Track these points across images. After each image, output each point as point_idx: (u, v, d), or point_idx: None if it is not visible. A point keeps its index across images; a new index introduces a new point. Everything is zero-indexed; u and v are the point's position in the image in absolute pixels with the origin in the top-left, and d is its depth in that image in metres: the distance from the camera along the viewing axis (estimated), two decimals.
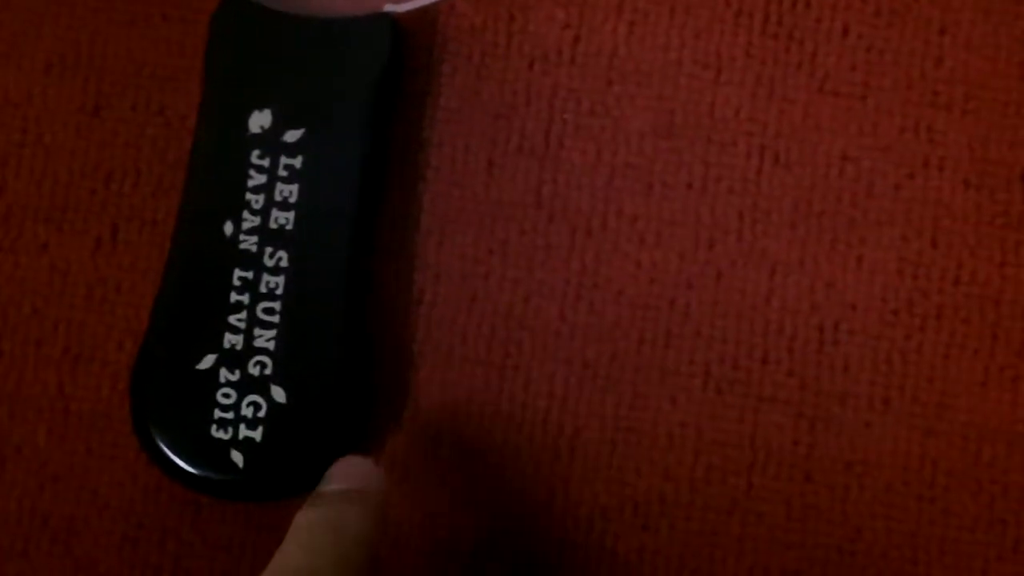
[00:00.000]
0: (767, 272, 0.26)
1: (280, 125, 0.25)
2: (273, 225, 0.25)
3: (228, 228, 0.25)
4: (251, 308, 0.25)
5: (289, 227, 0.25)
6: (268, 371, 0.24)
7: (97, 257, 0.27)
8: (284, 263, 0.25)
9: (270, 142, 0.25)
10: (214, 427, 0.24)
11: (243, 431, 0.24)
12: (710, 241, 0.27)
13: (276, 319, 0.25)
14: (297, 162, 0.25)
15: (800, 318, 0.26)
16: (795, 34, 0.27)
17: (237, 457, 0.24)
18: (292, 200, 0.25)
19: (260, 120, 0.25)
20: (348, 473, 0.24)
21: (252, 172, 0.25)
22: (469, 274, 0.27)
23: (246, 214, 0.25)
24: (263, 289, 0.25)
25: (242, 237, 0.25)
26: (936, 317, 0.26)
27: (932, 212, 0.26)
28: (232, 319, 0.25)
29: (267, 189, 0.25)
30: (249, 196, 0.25)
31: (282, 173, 0.25)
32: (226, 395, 0.24)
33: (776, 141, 0.27)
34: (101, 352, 0.26)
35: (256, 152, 0.25)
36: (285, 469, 0.24)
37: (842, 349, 0.26)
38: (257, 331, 0.25)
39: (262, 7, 0.26)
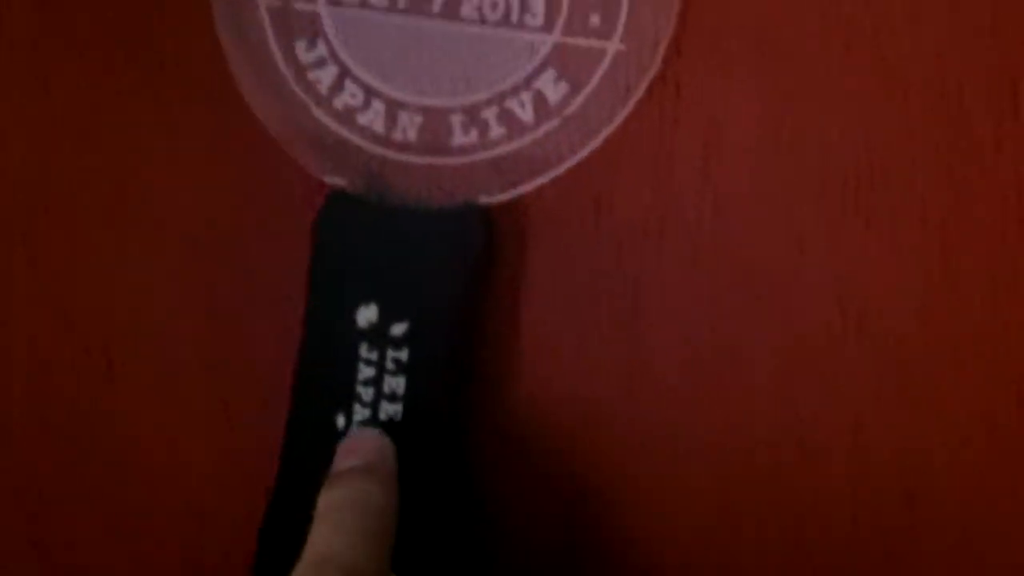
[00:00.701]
0: None
1: (386, 319, 0.26)
2: (383, 416, 0.26)
3: (340, 421, 0.26)
4: None
5: (398, 419, 0.26)
6: None
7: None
8: None
9: (377, 336, 0.26)
10: None
11: None
12: None
13: None
14: (403, 355, 0.26)
15: None
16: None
17: None
18: (400, 392, 0.26)
19: (367, 315, 0.26)
20: (361, 448, 0.25)
21: (361, 366, 0.26)
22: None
23: (357, 407, 0.26)
24: None
25: None
26: None
27: None
28: None
29: (376, 382, 0.26)
30: (359, 389, 0.26)
31: (390, 366, 0.26)
32: None
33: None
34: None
35: (364, 346, 0.26)
36: None
37: None
38: None
39: (363, 202, 0.28)
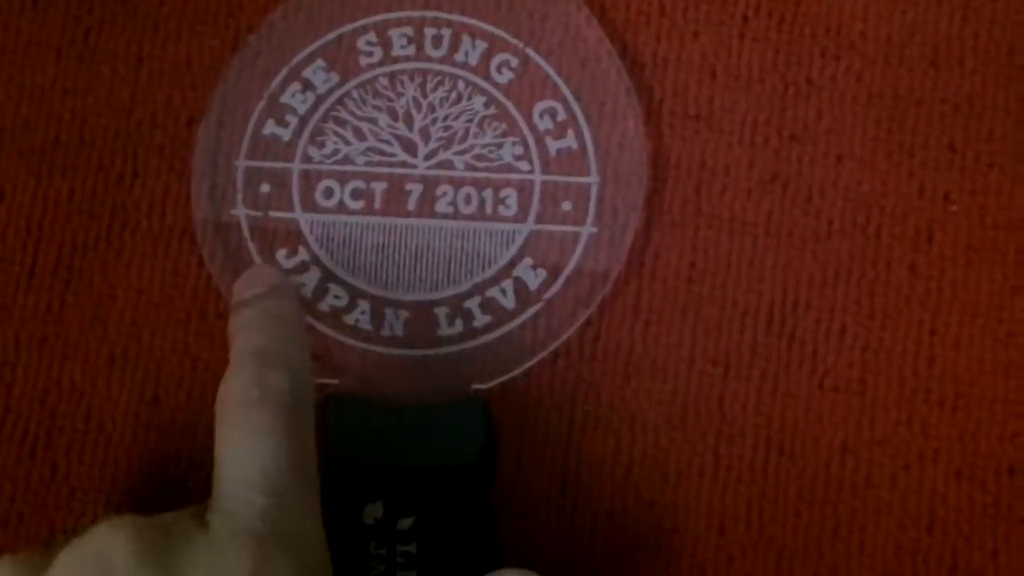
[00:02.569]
0: (774, 557, 0.30)
1: (392, 514, 0.28)
2: None
3: None
4: None
5: None
6: None
7: None
8: None
9: (385, 532, 0.28)
10: None
11: None
12: (721, 528, 0.30)
13: None
14: (412, 548, 0.27)
15: None
16: (796, 333, 0.31)
17: None
18: None
19: (373, 512, 0.28)
20: (257, 279, 0.28)
21: (372, 563, 0.27)
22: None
23: None
24: None
25: None
26: None
27: (927, 502, 0.30)
28: None
29: None
30: None
31: (400, 560, 0.27)
32: None
33: (781, 433, 0.31)
34: None
35: (373, 543, 0.28)
36: None
37: None
38: None
39: (360, 402, 0.29)
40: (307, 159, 0.31)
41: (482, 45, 0.31)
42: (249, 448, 0.24)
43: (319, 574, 0.24)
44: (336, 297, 0.30)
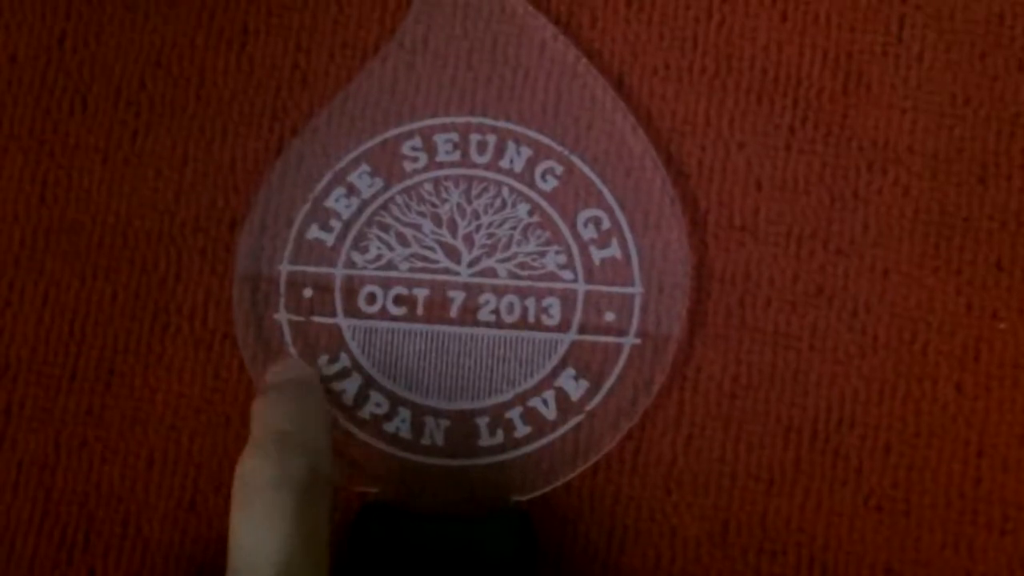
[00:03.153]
0: None
1: None
2: None
3: None
4: None
5: None
6: None
7: None
8: None
9: None
10: None
11: None
12: None
13: None
14: None
15: None
16: (841, 450, 0.31)
17: None
18: None
19: None
20: (287, 367, 0.29)
21: None
22: None
23: None
24: None
25: None
26: None
27: None
28: None
29: None
30: None
31: None
32: None
33: (824, 552, 0.31)
34: None
35: None
36: None
37: None
38: None
39: (399, 511, 0.29)
40: (350, 264, 0.31)
41: (527, 152, 0.32)
42: (263, 530, 0.24)
43: None
44: (377, 405, 0.31)
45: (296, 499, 0.25)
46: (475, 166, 0.32)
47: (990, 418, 0.31)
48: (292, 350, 0.31)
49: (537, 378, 0.31)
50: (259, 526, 0.24)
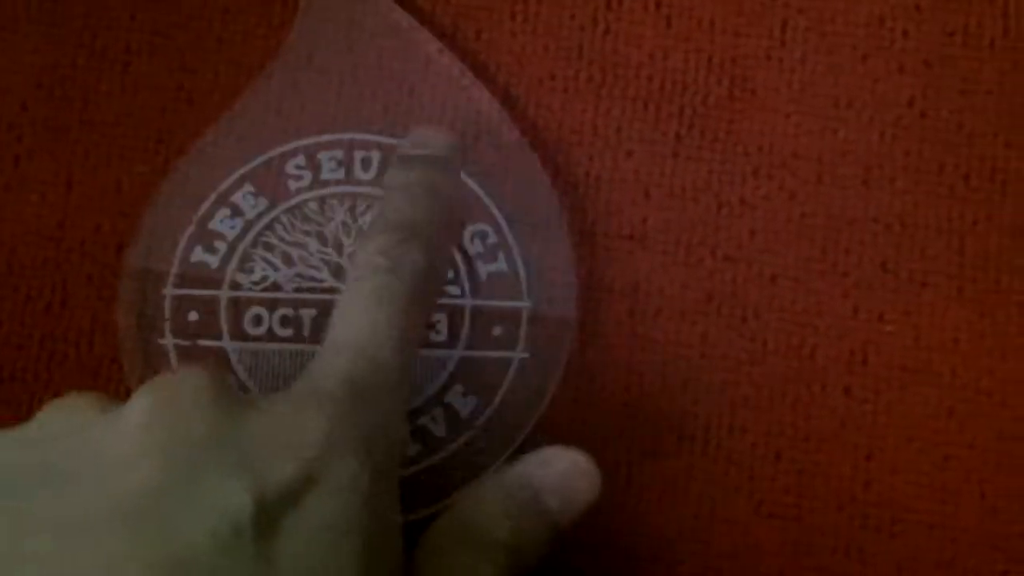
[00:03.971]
0: None
1: None
2: None
3: None
4: None
5: None
6: None
7: None
8: None
9: None
10: None
11: None
12: None
13: None
14: None
15: None
16: (733, 457, 0.32)
17: None
18: None
19: None
20: (431, 140, 0.28)
21: None
22: None
23: None
24: None
25: None
26: None
27: None
28: None
29: None
30: None
31: None
32: None
33: (719, 560, 0.31)
34: None
35: None
36: None
37: None
38: None
39: None
40: (236, 286, 0.32)
41: None
42: (362, 311, 0.24)
43: (390, 463, 0.24)
44: None
45: (405, 290, 0.25)
46: (360, 183, 0.32)
47: (878, 421, 0.32)
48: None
49: (425, 395, 0.31)
50: (357, 307, 0.24)
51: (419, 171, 0.27)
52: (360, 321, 0.24)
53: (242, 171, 0.32)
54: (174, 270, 0.32)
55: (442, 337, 0.32)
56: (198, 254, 0.32)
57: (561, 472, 0.26)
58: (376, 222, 0.26)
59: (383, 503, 0.23)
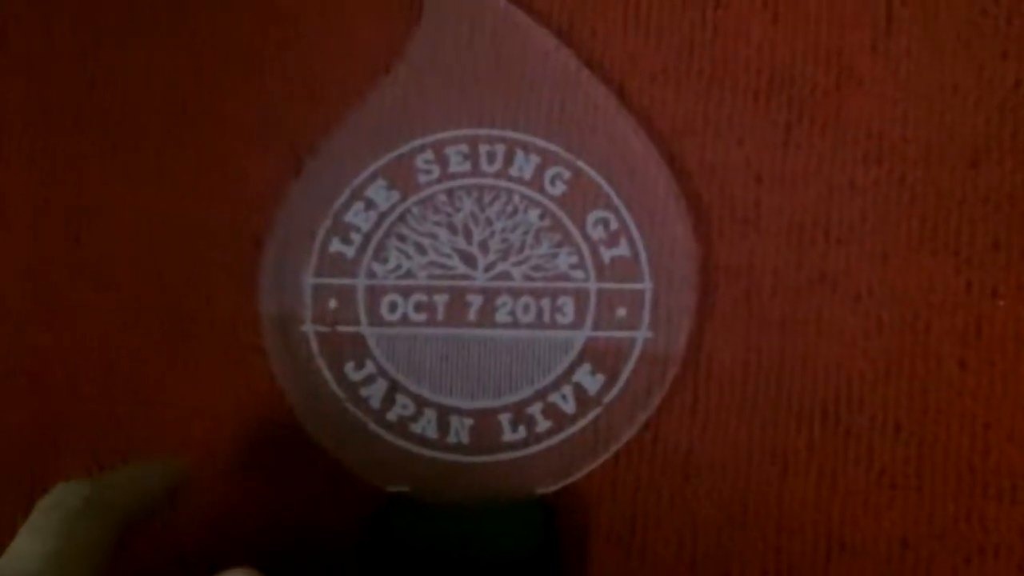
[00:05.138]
0: None
1: None
2: None
3: None
4: None
5: None
6: None
7: None
8: None
9: None
10: None
11: None
12: None
13: None
14: None
15: None
16: (852, 430, 0.34)
17: None
18: None
19: None
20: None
21: None
22: None
23: None
24: None
25: None
26: None
27: None
28: None
29: None
30: None
31: None
32: None
33: (841, 528, 0.34)
34: None
35: None
36: None
37: None
38: None
39: (423, 505, 0.33)
40: (371, 275, 0.35)
41: (535, 159, 0.35)
42: (19, 545, 0.26)
43: None
44: (403, 407, 0.34)
45: (65, 523, 0.27)
46: (486, 175, 0.35)
47: (994, 392, 0.34)
48: (320, 361, 0.34)
49: (555, 374, 0.34)
50: (18, 542, 0.26)
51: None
52: (15, 560, 0.26)
53: (374, 167, 0.35)
54: (313, 260, 0.35)
55: (569, 319, 0.34)
56: (335, 245, 0.35)
57: None
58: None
59: None
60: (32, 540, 0.27)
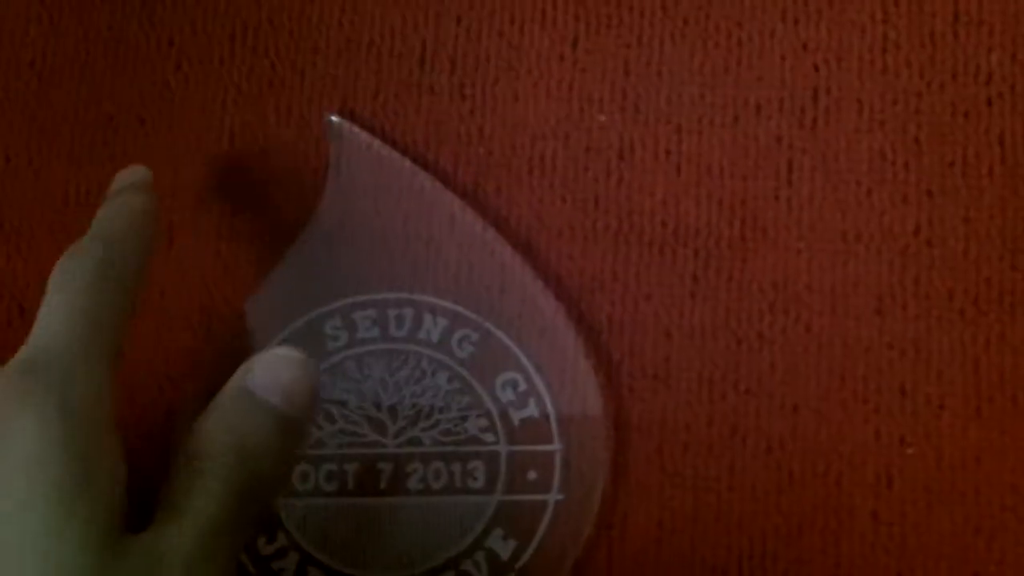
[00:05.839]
0: None
1: None
2: None
3: None
4: None
5: None
6: None
7: None
8: None
9: None
10: None
11: None
12: None
13: None
14: None
15: None
16: None
17: None
18: None
19: None
20: (127, 174, 0.35)
21: None
22: None
23: None
24: None
25: None
26: None
27: None
28: None
29: None
30: None
31: None
32: None
33: None
34: None
35: None
36: None
37: None
38: None
39: None
40: None
41: (443, 322, 0.36)
42: (45, 304, 0.28)
43: (96, 452, 0.27)
44: None
45: (86, 283, 0.29)
46: (394, 340, 0.36)
47: (907, 543, 0.34)
48: None
49: (467, 541, 0.35)
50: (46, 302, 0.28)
51: (116, 199, 0.32)
52: (41, 317, 0.28)
53: (282, 335, 0.36)
54: None
55: (480, 483, 0.35)
56: None
57: (268, 368, 0.30)
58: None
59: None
60: (59, 304, 0.28)
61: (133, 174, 0.33)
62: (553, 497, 0.34)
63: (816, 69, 0.37)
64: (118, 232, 0.30)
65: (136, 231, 0.31)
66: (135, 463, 0.34)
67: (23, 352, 0.27)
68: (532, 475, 0.34)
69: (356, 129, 0.37)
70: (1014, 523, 0.34)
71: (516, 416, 0.35)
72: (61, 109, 0.38)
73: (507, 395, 0.35)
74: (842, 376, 0.35)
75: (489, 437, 0.35)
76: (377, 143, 0.37)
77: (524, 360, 0.35)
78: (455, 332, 0.35)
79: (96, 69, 0.39)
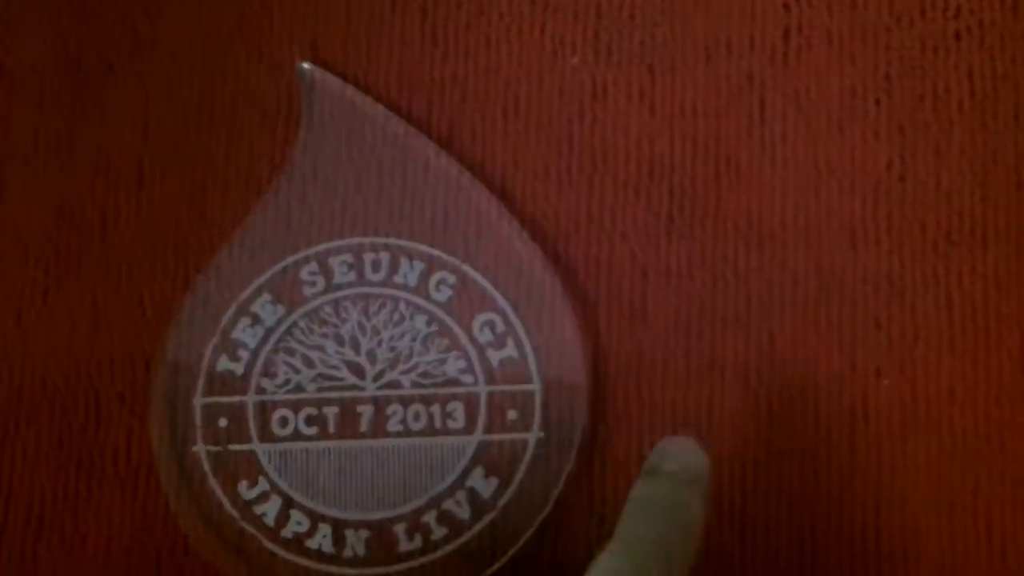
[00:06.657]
0: None
1: None
2: None
3: None
4: None
5: None
6: None
7: None
8: None
9: None
10: None
11: None
12: None
13: None
14: None
15: None
16: (747, 516, 0.36)
17: None
18: None
19: None
20: (682, 455, 0.30)
21: None
22: None
23: None
24: None
25: None
26: None
27: None
28: None
29: None
30: None
31: None
32: None
33: None
34: None
35: None
36: None
37: None
38: None
39: None
40: (261, 391, 0.37)
41: (420, 266, 0.37)
42: None
43: None
44: (298, 523, 0.36)
45: None
46: (371, 284, 0.37)
47: (883, 474, 0.36)
48: (213, 481, 0.36)
49: (448, 481, 0.36)
50: None
51: (667, 487, 0.29)
52: None
53: (259, 282, 0.37)
54: (201, 380, 0.36)
55: (460, 424, 0.36)
56: (223, 363, 0.37)
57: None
58: (615, 536, 0.27)
59: None
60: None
61: (686, 454, 0.31)
62: (533, 436, 0.35)
63: (786, 7, 0.38)
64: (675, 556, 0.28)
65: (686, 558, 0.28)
66: (109, 407, 0.35)
67: None
68: (512, 415, 0.35)
69: (328, 76, 0.37)
70: (988, 453, 0.35)
71: (495, 357, 0.36)
72: (28, 56, 0.39)
73: (485, 336, 0.36)
74: (817, 310, 0.36)
75: (468, 378, 0.36)
76: (350, 89, 0.37)
77: (501, 301, 0.36)
78: (432, 275, 0.36)
79: (62, 15, 0.39)
